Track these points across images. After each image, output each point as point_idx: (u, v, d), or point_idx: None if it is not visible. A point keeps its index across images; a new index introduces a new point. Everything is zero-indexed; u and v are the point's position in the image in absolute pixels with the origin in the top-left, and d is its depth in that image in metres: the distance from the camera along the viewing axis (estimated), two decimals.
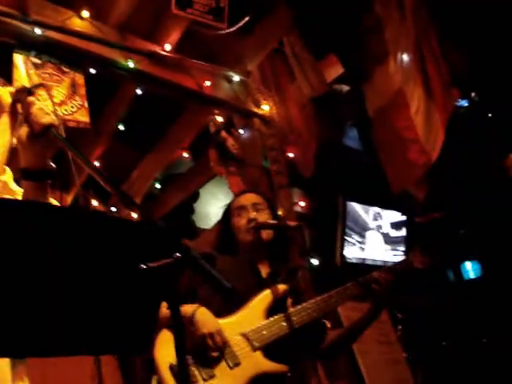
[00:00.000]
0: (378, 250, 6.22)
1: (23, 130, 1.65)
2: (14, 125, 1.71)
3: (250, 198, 2.77)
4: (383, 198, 5.63)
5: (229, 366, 2.34)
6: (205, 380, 2.29)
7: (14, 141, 1.74)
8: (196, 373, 2.29)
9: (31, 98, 1.65)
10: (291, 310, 2.51)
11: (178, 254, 1.29)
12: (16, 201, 1.62)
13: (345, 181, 5.82)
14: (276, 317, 2.49)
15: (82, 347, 1.46)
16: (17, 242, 1.25)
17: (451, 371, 5.25)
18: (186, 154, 5.03)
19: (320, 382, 3.86)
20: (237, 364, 2.36)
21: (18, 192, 1.85)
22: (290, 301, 2.61)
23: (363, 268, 5.88)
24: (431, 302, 6.32)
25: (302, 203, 4.54)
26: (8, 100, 1.73)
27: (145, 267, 1.31)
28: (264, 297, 2.55)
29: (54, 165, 1.72)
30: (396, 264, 2.85)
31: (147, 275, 1.34)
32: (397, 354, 4.83)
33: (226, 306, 2.48)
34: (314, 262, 4.04)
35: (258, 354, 2.41)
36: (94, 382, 4.93)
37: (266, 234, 2.67)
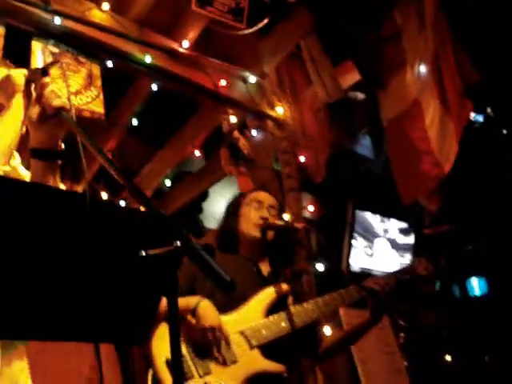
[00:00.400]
0: (386, 260, 6.17)
1: (35, 110, 1.65)
2: (27, 106, 1.71)
3: (268, 199, 2.80)
4: (393, 207, 5.60)
5: (225, 362, 2.34)
6: (200, 376, 2.29)
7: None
8: (192, 368, 2.28)
9: (45, 79, 1.66)
10: (292, 309, 2.50)
11: (178, 243, 1.27)
12: (17, 181, 1.62)
13: (355, 189, 5.80)
14: (276, 316, 2.48)
15: (79, 333, 1.46)
16: (17, 224, 1.25)
17: None
18: (197, 153, 5.02)
19: None
20: (233, 361, 2.36)
21: (26, 177, 1.85)
22: (291, 299, 2.61)
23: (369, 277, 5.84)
24: (437, 316, 6.29)
25: (311, 208, 4.53)
26: (21, 81, 1.73)
27: (144, 254, 1.30)
28: (265, 295, 2.55)
29: (63, 146, 1.72)
30: (399, 270, 2.86)
31: (147, 263, 1.34)
32: (398, 365, 4.79)
33: (226, 303, 2.48)
34: (320, 267, 4.02)
35: (256, 352, 2.41)
36: (93, 374, 4.95)
37: (270, 235, 2.69)
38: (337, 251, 5.82)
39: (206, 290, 2.47)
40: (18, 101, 1.71)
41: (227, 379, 2.31)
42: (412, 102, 4.69)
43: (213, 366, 2.33)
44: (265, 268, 2.71)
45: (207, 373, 2.31)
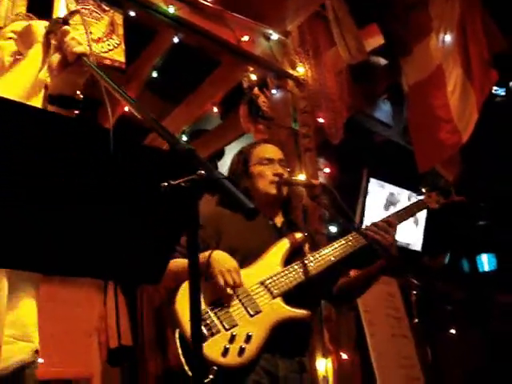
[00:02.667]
0: (398, 230, 6.14)
1: (55, 57, 1.65)
2: (45, 56, 1.71)
3: (277, 153, 2.76)
4: (408, 176, 5.57)
5: (249, 314, 2.35)
6: (226, 329, 2.29)
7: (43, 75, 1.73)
8: (217, 322, 2.28)
9: (66, 28, 1.65)
10: (309, 255, 2.52)
11: (201, 172, 1.26)
12: (44, 111, 1.62)
13: (371, 155, 5.76)
14: (293, 264, 2.49)
15: (94, 270, 1.47)
16: (39, 153, 1.25)
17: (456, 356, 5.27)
18: (215, 109, 4.99)
19: (325, 348, 3.87)
20: (257, 312, 2.36)
21: None
22: (307, 247, 2.62)
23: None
24: (444, 289, 6.30)
25: (327, 170, 4.51)
26: (41, 32, 1.73)
27: (166, 185, 1.29)
28: (281, 245, 2.55)
29: (82, 96, 1.72)
30: (409, 206, 2.86)
31: (169, 195, 1.32)
32: (404, 330, 4.83)
33: (247, 257, 2.49)
34: (333, 228, 4.02)
35: (278, 300, 2.42)
36: (102, 324, 4.99)
37: (284, 191, 2.69)
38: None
39: (228, 246, 2.48)
40: (36, 51, 1.71)
41: (253, 329, 2.31)
42: (435, 69, 4.65)
43: (238, 318, 2.32)
44: (279, 220, 2.72)
45: (233, 325, 2.30)
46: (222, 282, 2.31)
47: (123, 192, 1.38)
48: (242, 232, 2.53)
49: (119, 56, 3.68)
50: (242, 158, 2.75)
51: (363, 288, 2.77)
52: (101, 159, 1.33)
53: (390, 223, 2.65)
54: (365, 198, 5.93)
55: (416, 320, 3.12)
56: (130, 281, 2.35)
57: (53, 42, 1.69)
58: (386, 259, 2.60)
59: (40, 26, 1.75)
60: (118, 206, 1.38)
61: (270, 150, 2.76)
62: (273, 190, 2.64)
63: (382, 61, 5.44)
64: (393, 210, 6.00)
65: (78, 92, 1.71)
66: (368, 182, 5.89)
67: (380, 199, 5.98)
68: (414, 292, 2.97)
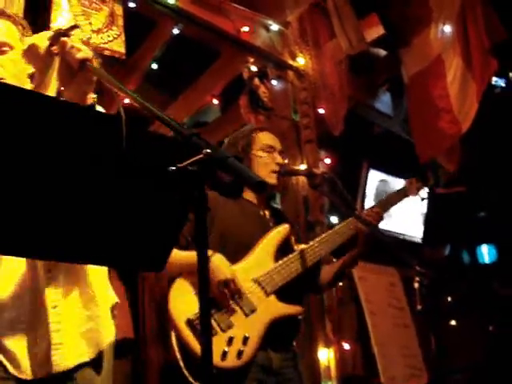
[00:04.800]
0: (398, 220, 6.12)
1: (62, 69, 1.65)
2: (44, 67, 1.71)
3: (278, 143, 2.76)
4: (408, 167, 5.57)
5: (245, 313, 2.36)
6: (223, 331, 2.30)
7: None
8: (214, 324, 2.28)
9: (63, 39, 1.65)
10: (300, 250, 2.52)
11: (208, 150, 1.26)
12: (56, 99, 1.61)
13: (372, 146, 5.75)
14: (285, 259, 2.49)
15: (98, 255, 1.46)
16: (51, 144, 1.25)
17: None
18: (215, 101, 4.98)
19: (326, 338, 3.87)
20: (253, 311, 2.37)
21: None
22: (293, 239, 2.62)
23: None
24: (445, 281, 6.31)
25: (328, 160, 4.51)
26: (45, 45, 1.72)
27: (174, 168, 1.28)
28: (271, 238, 2.55)
29: (95, 96, 1.71)
30: (391, 195, 2.86)
31: (176, 179, 1.32)
32: (405, 320, 4.85)
33: (237, 250, 2.48)
34: (334, 219, 4.02)
35: (272, 298, 2.43)
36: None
37: (280, 180, 2.69)
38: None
39: (218, 238, 2.47)
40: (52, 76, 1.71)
41: (250, 329, 2.33)
42: (435, 59, 4.65)
43: (233, 318, 2.33)
44: (268, 211, 2.72)
45: (230, 326, 2.31)
46: (220, 290, 2.31)
47: (128, 176, 1.38)
48: (235, 218, 2.54)
49: (119, 47, 3.67)
50: (245, 142, 2.71)
51: (339, 279, 2.80)
52: (107, 145, 1.33)
53: (376, 211, 2.68)
54: (365, 188, 5.92)
55: (419, 307, 3.12)
56: (135, 267, 2.34)
57: (56, 52, 1.68)
58: (363, 245, 2.61)
59: (43, 40, 1.73)
60: (123, 190, 1.38)
61: (272, 139, 2.75)
62: (273, 180, 2.63)
63: (382, 52, 5.43)
64: None
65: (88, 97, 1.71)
66: (368, 172, 5.87)
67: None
68: (417, 279, 2.96)
